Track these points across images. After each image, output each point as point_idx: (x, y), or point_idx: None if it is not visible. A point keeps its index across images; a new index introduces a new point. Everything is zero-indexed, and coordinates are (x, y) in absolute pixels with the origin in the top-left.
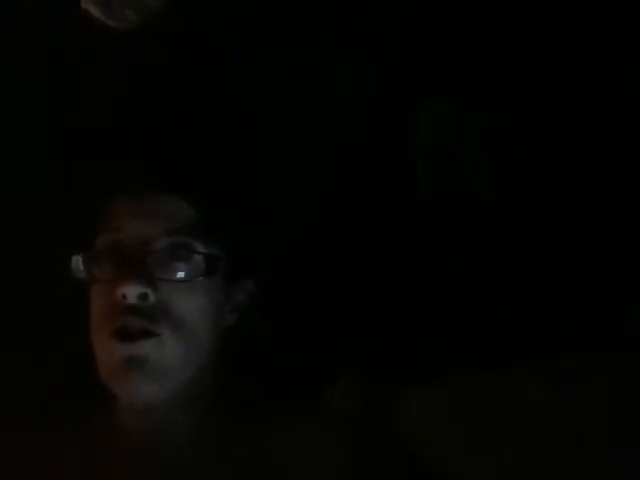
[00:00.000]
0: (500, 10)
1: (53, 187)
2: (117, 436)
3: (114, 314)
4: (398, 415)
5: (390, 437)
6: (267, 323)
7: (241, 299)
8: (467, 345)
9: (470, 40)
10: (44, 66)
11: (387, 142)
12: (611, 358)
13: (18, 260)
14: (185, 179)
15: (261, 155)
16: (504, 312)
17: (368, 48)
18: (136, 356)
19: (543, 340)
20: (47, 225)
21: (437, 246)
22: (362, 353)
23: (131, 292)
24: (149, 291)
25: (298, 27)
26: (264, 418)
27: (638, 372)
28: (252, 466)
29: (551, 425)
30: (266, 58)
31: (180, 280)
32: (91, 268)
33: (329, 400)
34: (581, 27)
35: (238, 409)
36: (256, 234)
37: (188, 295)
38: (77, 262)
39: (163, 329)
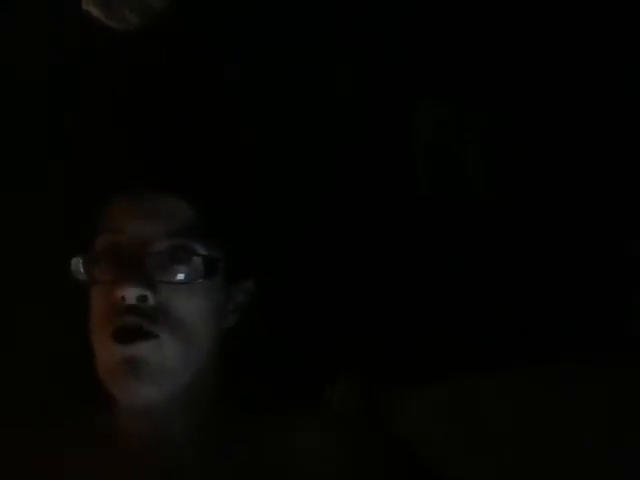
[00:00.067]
0: (500, 10)
1: (53, 187)
2: (117, 436)
3: (113, 315)
4: (398, 415)
5: (390, 437)
6: (267, 323)
7: (241, 299)
8: (467, 345)
9: (470, 40)
10: (44, 66)
11: (387, 142)
12: (611, 358)
13: (18, 260)
14: (185, 179)
15: (261, 155)
16: (504, 312)
17: (368, 48)
18: (134, 357)
19: (543, 340)
20: (47, 225)
21: (437, 246)
22: (362, 353)
23: (130, 294)
24: (148, 293)
25: (298, 27)
26: (264, 418)
27: (638, 372)
28: (252, 466)
29: (551, 425)
30: (266, 58)
31: (179, 282)
32: (91, 269)
33: (329, 400)
34: (581, 27)
35: (238, 409)
36: (256, 234)
37: (188, 297)
38: (77, 264)
39: (162, 331)
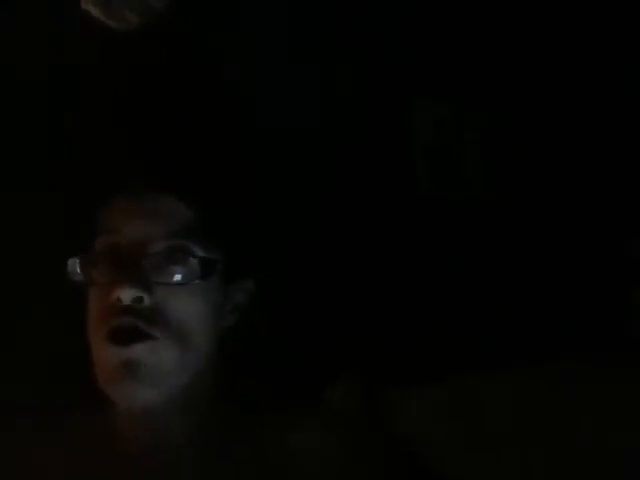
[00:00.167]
0: (500, 10)
1: (52, 187)
2: (116, 437)
3: (109, 316)
4: (398, 415)
5: (390, 437)
6: (267, 323)
7: (241, 299)
8: (467, 345)
9: (470, 40)
10: (44, 66)
11: (387, 142)
12: (611, 358)
13: (18, 260)
14: (183, 180)
15: (260, 155)
16: (504, 312)
17: (368, 48)
18: (130, 359)
19: (543, 340)
20: (46, 225)
21: (437, 246)
22: (362, 353)
23: (126, 295)
24: (144, 294)
25: (298, 27)
26: (264, 418)
27: (638, 372)
28: (252, 466)
29: (551, 425)
30: (266, 58)
31: (176, 283)
32: (88, 270)
33: (329, 400)
34: (581, 27)
35: (238, 409)
36: (255, 235)
37: (185, 298)
38: (74, 265)
39: (159, 332)
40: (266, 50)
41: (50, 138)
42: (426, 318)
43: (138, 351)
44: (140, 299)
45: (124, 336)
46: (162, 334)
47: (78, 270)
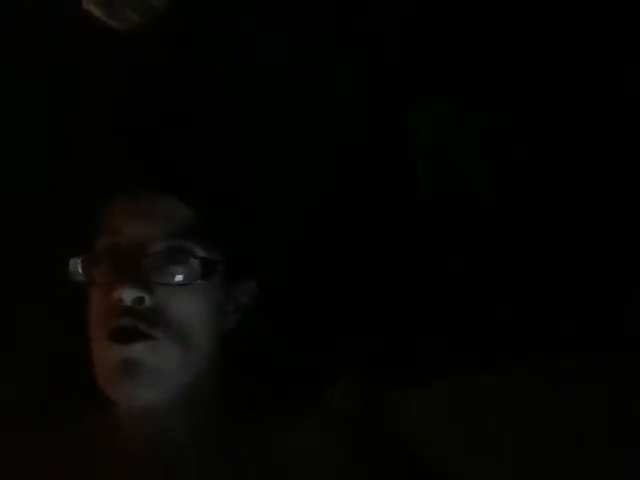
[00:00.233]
0: (500, 10)
1: (52, 187)
2: (117, 437)
3: (110, 316)
4: (398, 415)
5: (390, 437)
6: (268, 323)
7: (243, 300)
8: (467, 345)
9: (470, 40)
10: (44, 66)
11: (387, 142)
12: (611, 358)
13: (18, 260)
14: (184, 180)
15: (261, 155)
16: (504, 312)
17: (368, 48)
18: (130, 359)
19: (543, 340)
20: (46, 225)
21: (437, 246)
22: (362, 353)
23: (127, 296)
24: (145, 295)
25: (298, 27)
26: (265, 418)
27: (638, 372)
28: (253, 466)
29: (551, 425)
30: (266, 58)
31: (177, 284)
32: (90, 270)
33: (329, 400)
34: (581, 27)
35: (239, 409)
36: (255, 235)
37: (186, 298)
38: (75, 264)
39: (159, 332)
40: (266, 50)
41: (50, 138)
42: (426, 318)
43: (138, 350)
44: (141, 299)
45: (125, 336)
46: (163, 334)
47: (79, 270)
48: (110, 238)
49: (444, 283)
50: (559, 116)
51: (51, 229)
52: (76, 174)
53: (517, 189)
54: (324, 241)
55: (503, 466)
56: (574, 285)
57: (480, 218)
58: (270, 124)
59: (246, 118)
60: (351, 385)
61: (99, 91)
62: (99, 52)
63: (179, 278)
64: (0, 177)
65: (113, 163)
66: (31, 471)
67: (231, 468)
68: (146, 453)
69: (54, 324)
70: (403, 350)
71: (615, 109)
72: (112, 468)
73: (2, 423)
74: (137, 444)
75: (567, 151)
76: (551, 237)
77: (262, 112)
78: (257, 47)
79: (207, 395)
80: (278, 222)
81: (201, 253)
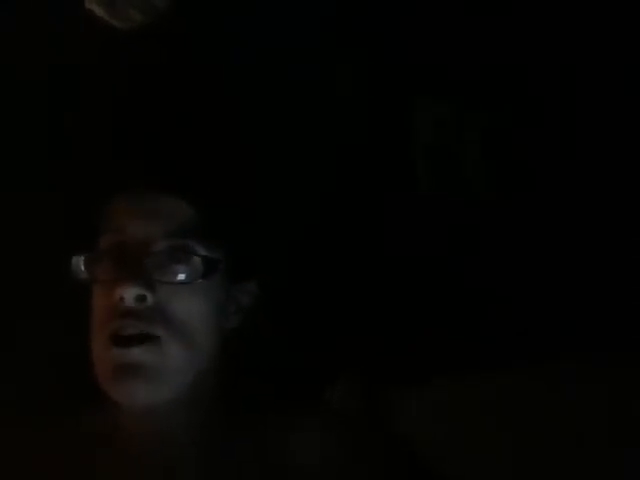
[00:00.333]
0: (500, 10)
1: (53, 187)
2: (118, 437)
3: (112, 317)
4: (398, 415)
5: (390, 437)
6: (268, 323)
7: (244, 300)
8: (467, 345)
9: (470, 40)
10: (44, 66)
11: (387, 142)
12: (611, 358)
13: (19, 260)
14: (185, 179)
15: (261, 155)
16: (504, 312)
17: (368, 48)
18: (132, 361)
19: (543, 340)
20: (47, 225)
21: (437, 246)
22: (362, 353)
23: (128, 294)
24: (147, 293)
25: (298, 27)
26: (266, 418)
27: (638, 372)
28: (254, 465)
29: (551, 425)
30: (266, 58)
31: (179, 282)
32: (93, 268)
33: (329, 400)
34: (581, 27)
35: (240, 409)
36: (256, 234)
37: (187, 297)
38: (78, 263)
39: (161, 331)
40: (266, 50)
41: (50, 138)
42: (426, 318)
43: (140, 352)
44: (143, 297)
45: (126, 339)
46: (165, 333)
47: (82, 268)
48: (113, 237)
49: (444, 283)
50: (559, 116)
51: (52, 229)
52: (78, 174)
53: (517, 189)
54: (324, 241)
55: (503, 466)
56: (574, 285)
57: (480, 218)
58: (271, 124)
59: (247, 118)
60: (351, 385)
61: (100, 90)
62: (99, 52)
63: (181, 277)
64: (2, 177)
65: (115, 163)
66: (31, 471)
67: (231, 468)
68: (146, 453)
69: (54, 324)
70: (403, 350)
71: (615, 109)
72: (112, 468)
73: (2, 423)
74: (137, 444)
75: (567, 151)
76: (551, 237)
77: (263, 112)
78: (257, 47)
79: (207, 395)
80: (278, 222)
81: (203, 252)
